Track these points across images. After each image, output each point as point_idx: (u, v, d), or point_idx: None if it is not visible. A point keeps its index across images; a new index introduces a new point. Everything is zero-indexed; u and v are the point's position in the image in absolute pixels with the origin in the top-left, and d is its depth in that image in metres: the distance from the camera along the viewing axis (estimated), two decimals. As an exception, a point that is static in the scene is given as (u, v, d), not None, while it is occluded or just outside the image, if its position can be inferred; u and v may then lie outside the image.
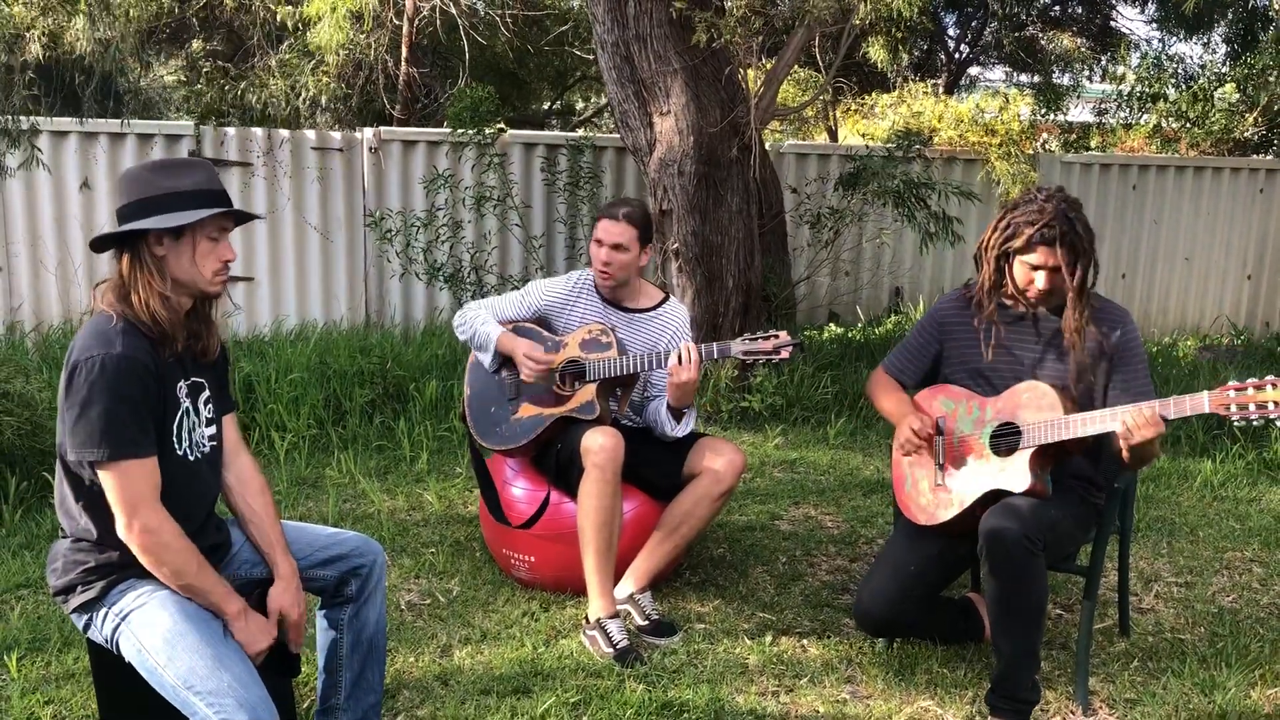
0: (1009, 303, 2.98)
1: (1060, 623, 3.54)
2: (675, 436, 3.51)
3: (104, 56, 5.82)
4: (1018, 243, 2.84)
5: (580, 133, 8.29)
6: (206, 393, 2.36)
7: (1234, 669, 3.17)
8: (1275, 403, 2.48)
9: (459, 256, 7.07)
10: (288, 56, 8.07)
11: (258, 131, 6.96)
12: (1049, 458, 2.83)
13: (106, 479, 2.15)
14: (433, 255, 7.05)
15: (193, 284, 2.26)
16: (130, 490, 2.15)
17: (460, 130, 6.63)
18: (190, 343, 2.31)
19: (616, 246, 3.50)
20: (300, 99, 7.88)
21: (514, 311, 3.67)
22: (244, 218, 2.37)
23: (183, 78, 9.94)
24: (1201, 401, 2.57)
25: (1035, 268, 2.84)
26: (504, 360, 3.60)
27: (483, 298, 6.76)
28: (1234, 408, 2.52)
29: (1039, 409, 2.80)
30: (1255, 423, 2.53)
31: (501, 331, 3.57)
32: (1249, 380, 2.54)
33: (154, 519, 2.16)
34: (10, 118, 5.15)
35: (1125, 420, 2.62)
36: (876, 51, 9.83)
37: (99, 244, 2.28)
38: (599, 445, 3.27)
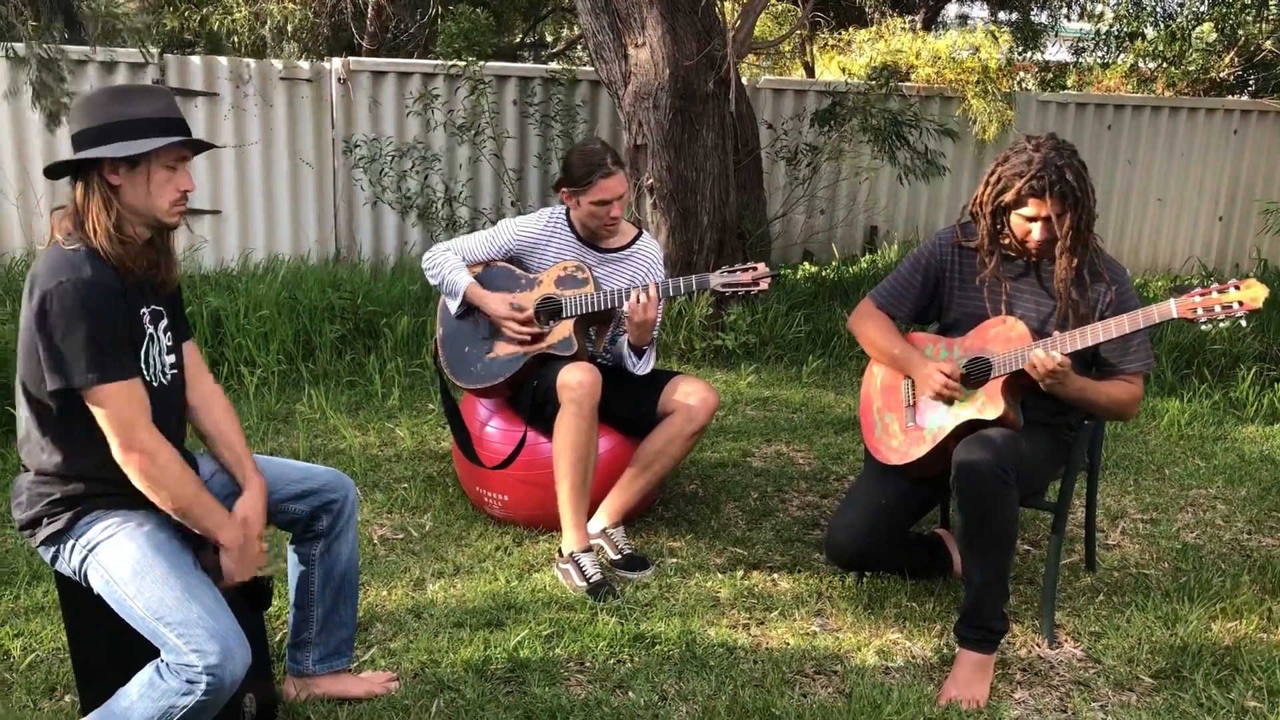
0: (1012, 255, 2.95)
1: (1028, 558, 3.59)
2: (637, 373, 3.50)
3: None
4: (1009, 196, 2.80)
5: (552, 65, 8.15)
6: (165, 320, 2.32)
7: (1196, 603, 3.23)
8: (1239, 302, 2.55)
9: (431, 188, 6.97)
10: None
11: (223, 61, 6.79)
12: (1020, 388, 2.85)
13: (97, 404, 2.10)
14: (405, 185, 6.95)
15: (149, 214, 2.20)
16: (123, 412, 2.11)
17: (450, 62, 6.50)
18: (150, 272, 2.26)
19: (620, 197, 3.46)
20: (266, 27, 7.68)
21: (484, 252, 3.61)
22: (202, 147, 2.30)
23: (145, 3, 9.65)
24: (1169, 308, 2.63)
25: (1030, 219, 2.81)
26: (470, 307, 3.56)
27: (454, 233, 6.72)
28: (1200, 311, 2.59)
29: (1007, 342, 2.82)
30: (1222, 323, 2.60)
31: (470, 282, 3.51)
32: (1211, 285, 2.62)
33: (151, 441, 2.13)
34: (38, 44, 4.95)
35: (1035, 354, 2.68)
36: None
37: (54, 171, 2.21)
38: (576, 380, 3.25)
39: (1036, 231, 2.82)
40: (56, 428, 2.17)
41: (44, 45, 5.04)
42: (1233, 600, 3.26)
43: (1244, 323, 2.62)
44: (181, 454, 2.39)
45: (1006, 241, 2.92)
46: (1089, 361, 2.89)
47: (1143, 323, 2.65)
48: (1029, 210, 2.80)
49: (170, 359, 2.33)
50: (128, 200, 2.17)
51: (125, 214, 2.18)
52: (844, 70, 9.05)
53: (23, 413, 2.22)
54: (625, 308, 3.32)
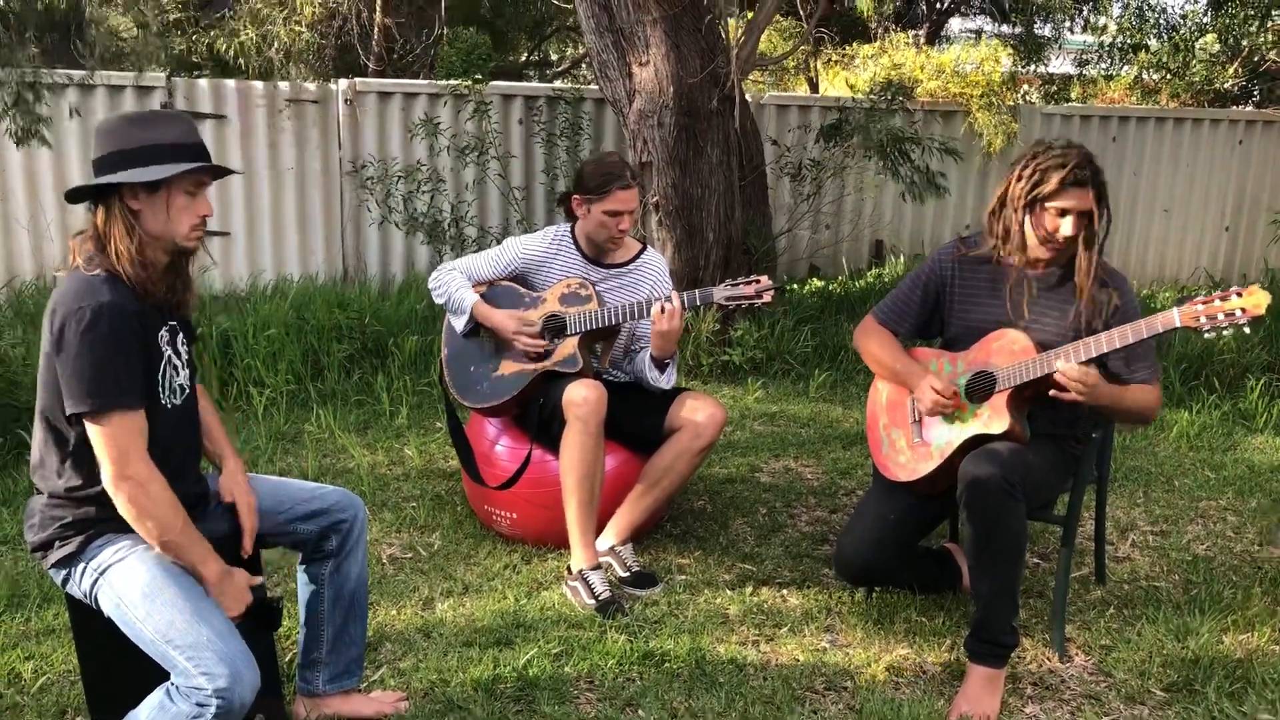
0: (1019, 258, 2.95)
1: (1037, 571, 3.58)
2: (660, 388, 3.50)
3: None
4: (1048, 187, 2.78)
5: (557, 84, 8.20)
6: (181, 335, 2.34)
7: (1207, 615, 3.21)
8: (1242, 309, 2.56)
9: (439, 208, 7.00)
10: (259, 6, 7.90)
11: (230, 83, 6.84)
12: (1025, 401, 2.85)
13: (95, 431, 2.12)
14: (412, 205, 6.99)
15: (168, 239, 2.23)
16: (120, 442, 2.12)
17: (452, 80, 6.53)
18: (167, 295, 2.28)
19: (632, 212, 3.49)
20: (273, 49, 7.73)
21: (490, 271, 3.63)
22: (222, 173, 2.33)
23: (153, 27, 9.73)
24: (1172, 317, 2.62)
25: (1064, 212, 2.79)
26: (476, 325, 3.57)
27: (461, 252, 6.74)
28: (1204, 319, 2.58)
29: (1011, 355, 2.82)
30: (1226, 331, 2.59)
31: (476, 300, 3.53)
32: (1214, 294, 2.62)
33: (143, 471, 2.14)
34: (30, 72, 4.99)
35: (1059, 365, 2.69)
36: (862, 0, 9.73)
37: (75, 196, 2.24)
38: (582, 397, 3.26)
39: (1067, 226, 2.80)
40: (72, 453, 2.19)
41: (28, 68, 5.06)
42: (1244, 613, 3.24)
43: (1248, 330, 2.61)
44: (194, 477, 2.41)
45: (1019, 241, 2.91)
46: None
47: (1145, 332, 2.64)
48: (1066, 202, 2.78)
49: (184, 374, 2.34)
50: (148, 225, 2.20)
51: (146, 239, 2.20)
52: (848, 85, 9.07)
53: (38, 438, 2.24)
54: (648, 319, 3.33)
